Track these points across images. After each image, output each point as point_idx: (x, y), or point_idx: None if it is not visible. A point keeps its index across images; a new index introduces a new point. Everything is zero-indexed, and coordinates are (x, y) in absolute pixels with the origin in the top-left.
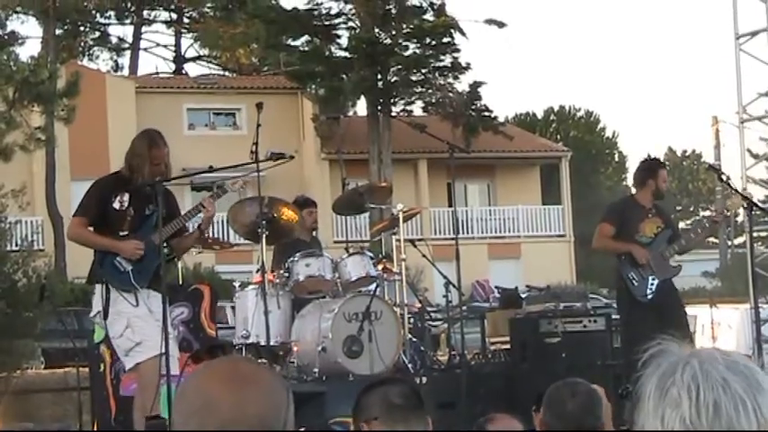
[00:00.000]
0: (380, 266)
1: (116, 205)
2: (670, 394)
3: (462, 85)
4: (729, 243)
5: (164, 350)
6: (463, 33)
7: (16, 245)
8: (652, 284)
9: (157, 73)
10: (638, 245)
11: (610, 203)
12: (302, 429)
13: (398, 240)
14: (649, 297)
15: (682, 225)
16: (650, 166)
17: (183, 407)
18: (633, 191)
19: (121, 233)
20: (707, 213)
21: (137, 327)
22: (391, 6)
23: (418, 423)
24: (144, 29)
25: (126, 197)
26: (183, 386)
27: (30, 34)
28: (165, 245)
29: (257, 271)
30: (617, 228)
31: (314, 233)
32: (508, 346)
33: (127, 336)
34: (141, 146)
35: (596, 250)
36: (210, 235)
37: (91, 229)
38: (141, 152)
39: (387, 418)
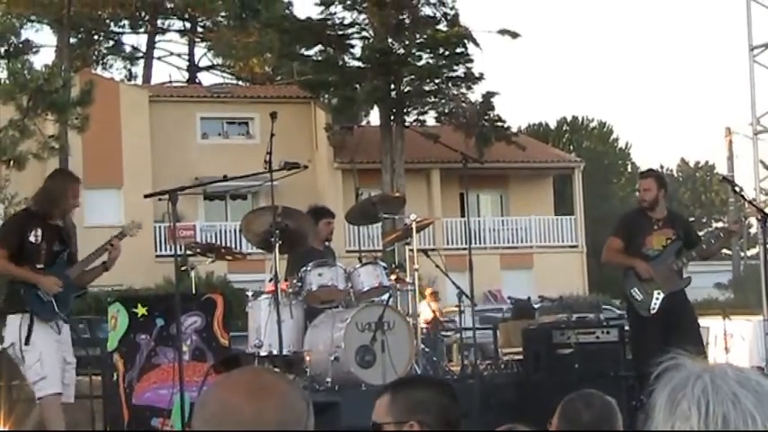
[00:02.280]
0: (393, 276)
1: (32, 239)
2: (680, 408)
3: (475, 95)
4: (742, 254)
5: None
6: (476, 44)
7: None
8: (657, 299)
9: (171, 82)
10: (643, 259)
11: (620, 216)
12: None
13: (411, 250)
14: (653, 311)
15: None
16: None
17: (202, 415)
18: None
19: (38, 266)
20: (720, 225)
21: (46, 362)
22: (405, 16)
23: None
24: (158, 38)
25: (39, 232)
26: (204, 396)
27: (44, 43)
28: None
29: (270, 280)
30: (625, 241)
31: (327, 243)
32: (521, 357)
33: (35, 369)
34: (63, 183)
35: (605, 264)
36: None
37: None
38: (63, 189)
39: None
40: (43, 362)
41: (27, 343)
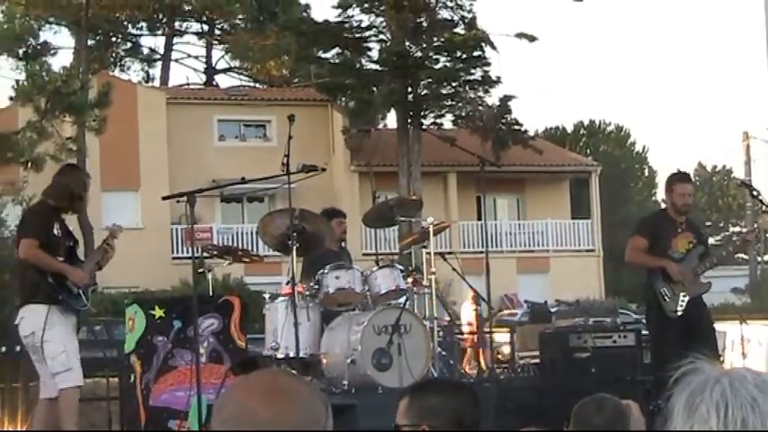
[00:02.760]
0: (410, 279)
1: (55, 232)
2: (699, 411)
3: (492, 98)
4: (759, 259)
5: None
6: (494, 47)
7: None
8: (683, 301)
9: (188, 84)
10: (672, 260)
11: (642, 217)
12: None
13: (428, 253)
14: (679, 313)
15: (711, 241)
16: (667, 182)
17: (221, 417)
18: (663, 205)
19: (60, 258)
20: (737, 230)
21: (72, 354)
22: (422, 19)
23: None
24: (175, 40)
25: (58, 225)
26: (222, 398)
27: (62, 45)
28: None
29: (287, 283)
30: (649, 242)
31: (342, 244)
32: (537, 361)
33: (60, 360)
34: (82, 177)
35: (628, 264)
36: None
37: None
38: (80, 182)
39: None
40: (69, 353)
41: (50, 330)
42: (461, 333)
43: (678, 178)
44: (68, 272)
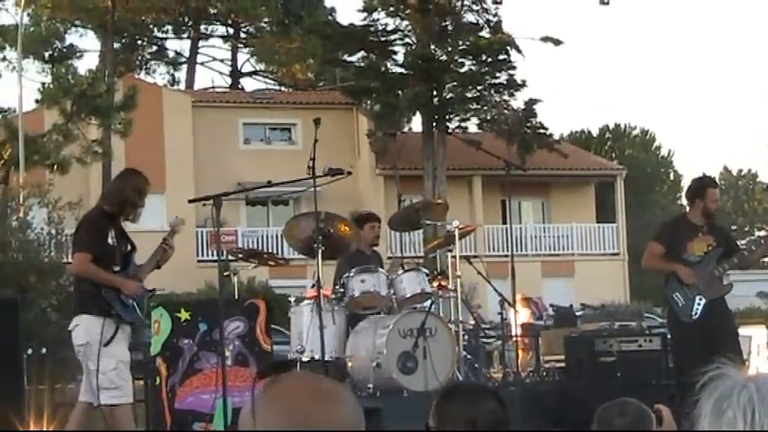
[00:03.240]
0: (435, 283)
1: (110, 241)
2: (726, 416)
3: (518, 102)
4: None
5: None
6: (519, 50)
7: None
8: (699, 304)
9: (214, 87)
10: (685, 264)
11: (663, 222)
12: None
13: (453, 257)
14: (695, 317)
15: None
16: (698, 186)
17: (270, 420)
18: (687, 209)
19: (115, 268)
20: (762, 233)
21: (123, 372)
22: (447, 23)
23: None
24: (201, 43)
25: (113, 233)
26: (265, 401)
27: (88, 48)
28: None
29: (312, 286)
30: (667, 247)
31: (374, 248)
32: (563, 365)
33: (110, 377)
34: (139, 182)
35: (646, 269)
36: (265, 250)
37: None
38: (141, 189)
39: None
40: (120, 371)
41: (107, 345)
42: (486, 336)
43: (709, 183)
44: (121, 285)
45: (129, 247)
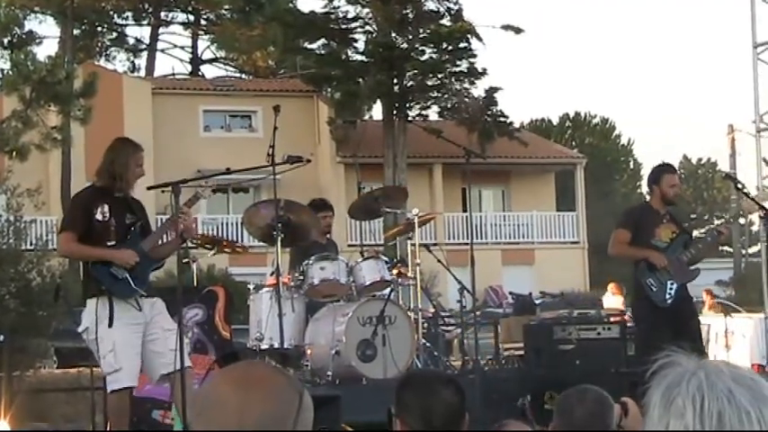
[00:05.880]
0: (395, 271)
1: (99, 217)
2: (675, 404)
3: (478, 90)
4: (744, 252)
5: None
6: (480, 39)
7: (31, 244)
8: (671, 289)
9: (174, 74)
10: (655, 249)
11: (625, 209)
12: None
13: (413, 245)
14: (669, 302)
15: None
16: (655, 172)
17: (195, 406)
18: (647, 198)
19: (109, 243)
20: (722, 222)
21: (120, 353)
22: (408, 11)
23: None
24: (161, 30)
25: (106, 208)
26: (198, 390)
27: (47, 34)
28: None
29: (271, 274)
30: (633, 233)
31: (328, 236)
32: (522, 353)
33: (108, 360)
34: (125, 152)
35: (613, 257)
36: (225, 237)
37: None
38: (125, 159)
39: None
40: (117, 353)
41: (110, 326)
42: (446, 325)
43: (665, 169)
44: (111, 256)
45: (135, 220)
